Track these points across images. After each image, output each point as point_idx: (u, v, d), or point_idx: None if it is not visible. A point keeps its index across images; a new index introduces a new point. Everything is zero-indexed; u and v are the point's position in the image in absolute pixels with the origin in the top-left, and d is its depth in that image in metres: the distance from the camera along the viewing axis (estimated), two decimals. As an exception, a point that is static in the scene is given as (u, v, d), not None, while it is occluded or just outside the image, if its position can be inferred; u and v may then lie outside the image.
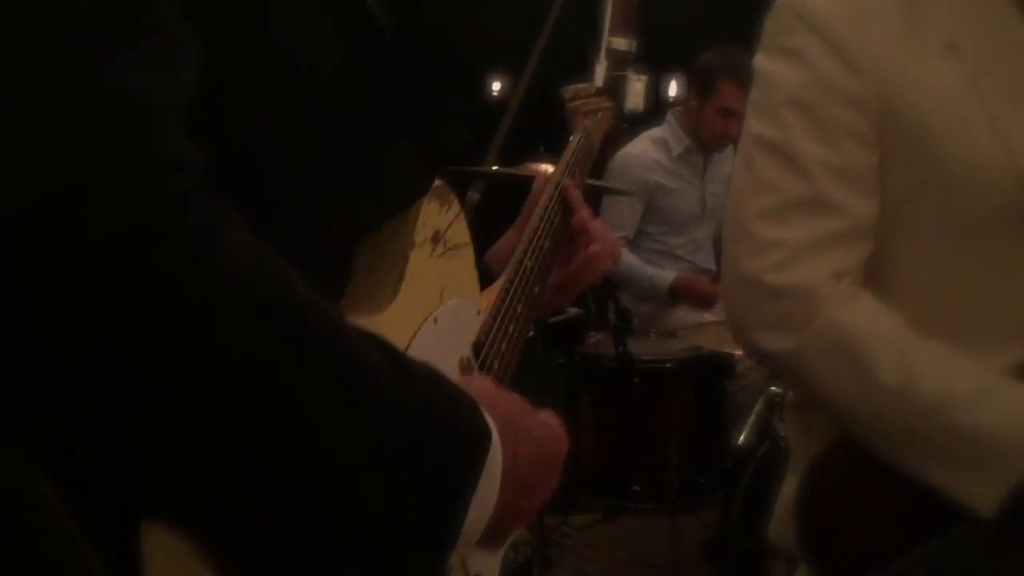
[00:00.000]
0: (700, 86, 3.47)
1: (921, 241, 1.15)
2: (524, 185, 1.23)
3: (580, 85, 1.48)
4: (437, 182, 0.87)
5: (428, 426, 0.66)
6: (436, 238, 0.86)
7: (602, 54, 4.10)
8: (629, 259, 3.50)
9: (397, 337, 0.75)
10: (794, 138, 1.12)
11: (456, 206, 0.89)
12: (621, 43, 4.37)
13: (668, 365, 2.91)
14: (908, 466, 1.11)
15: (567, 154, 1.22)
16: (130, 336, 0.52)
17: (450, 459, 0.67)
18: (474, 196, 3.38)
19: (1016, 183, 1.08)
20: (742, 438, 2.61)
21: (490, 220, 1.37)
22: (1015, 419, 1.09)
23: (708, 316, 3.39)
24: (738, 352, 2.60)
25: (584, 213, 1.14)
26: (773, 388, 2.55)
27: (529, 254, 1.03)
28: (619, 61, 4.32)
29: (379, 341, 0.67)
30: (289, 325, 0.59)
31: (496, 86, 5.35)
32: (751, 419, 2.64)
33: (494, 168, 2.70)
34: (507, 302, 0.96)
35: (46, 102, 0.49)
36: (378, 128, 0.79)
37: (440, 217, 0.87)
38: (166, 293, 0.53)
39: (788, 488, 1.24)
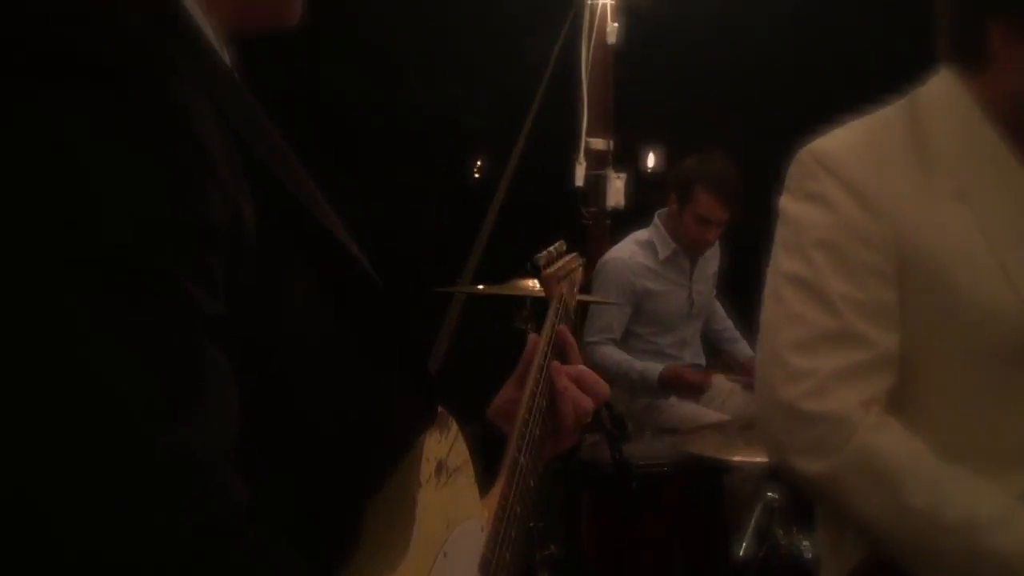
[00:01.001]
0: (679, 192, 3.45)
1: (941, 371, 1.24)
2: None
3: (550, 249, 1.48)
4: (439, 411, 0.91)
5: None
6: (439, 469, 0.88)
7: (580, 155, 3.46)
8: (617, 355, 3.46)
9: None
10: (821, 276, 1.22)
11: (454, 427, 0.92)
12: (599, 143, 3.53)
13: (665, 469, 2.88)
14: None
15: (547, 326, 1.23)
16: None
17: None
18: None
19: None
20: (743, 549, 2.57)
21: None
22: None
23: (703, 413, 3.33)
24: (734, 458, 2.64)
25: (570, 389, 1.13)
26: (770, 494, 2.58)
27: (523, 451, 1.04)
28: (598, 161, 3.48)
29: None
30: None
31: (480, 154, 5.04)
32: (750, 527, 2.61)
33: (480, 287, 2.84)
34: (507, 510, 0.98)
35: (133, 470, 0.56)
36: (378, 379, 0.82)
37: (441, 446, 0.89)
38: None
39: None
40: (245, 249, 0.65)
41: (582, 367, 1.17)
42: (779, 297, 1.28)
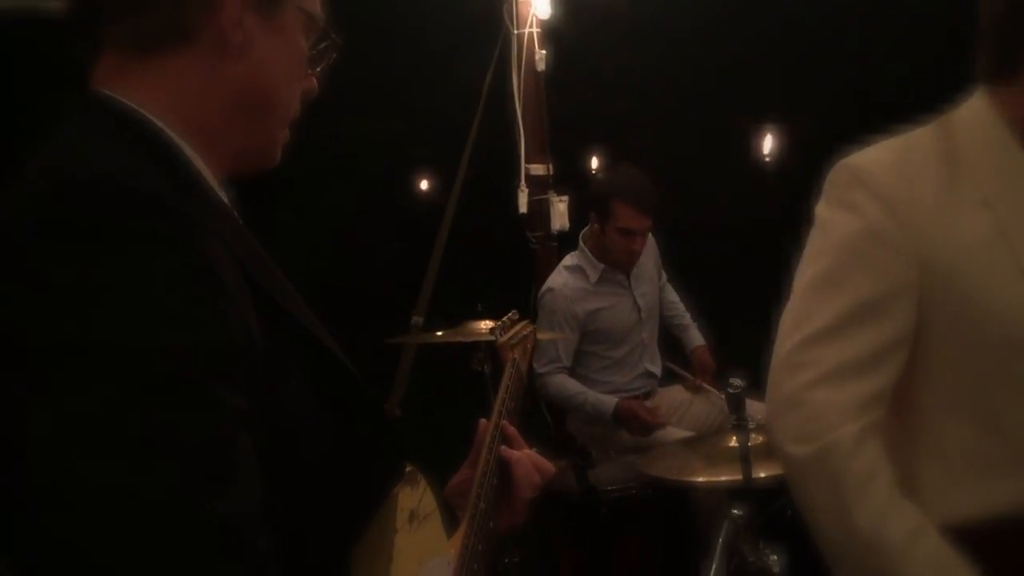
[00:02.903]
0: (597, 210, 3.44)
1: (956, 374, 1.29)
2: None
3: (504, 319, 1.64)
4: (408, 468, 1.09)
5: None
6: (411, 518, 1.06)
7: (522, 182, 3.52)
8: (571, 386, 3.45)
9: None
10: (841, 271, 1.30)
11: (422, 482, 1.11)
12: (538, 168, 3.60)
13: (633, 491, 2.93)
14: None
15: (500, 395, 1.37)
16: None
17: None
18: (419, 320, 3.46)
19: None
20: (712, 571, 2.55)
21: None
22: None
23: (664, 432, 3.31)
24: (697, 478, 2.67)
25: (523, 458, 1.26)
26: (735, 511, 2.59)
27: (482, 497, 1.18)
28: (539, 185, 3.55)
29: None
30: None
31: (425, 185, 4.98)
32: (718, 545, 2.57)
33: (438, 333, 2.92)
34: (469, 547, 1.11)
35: (187, 544, 0.72)
36: (356, 447, 1.00)
37: (412, 498, 1.08)
38: None
39: None
40: (256, 353, 0.83)
41: (527, 450, 1.31)
42: (797, 299, 1.35)
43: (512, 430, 1.33)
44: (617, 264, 3.48)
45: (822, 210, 1.37)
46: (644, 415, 3.28)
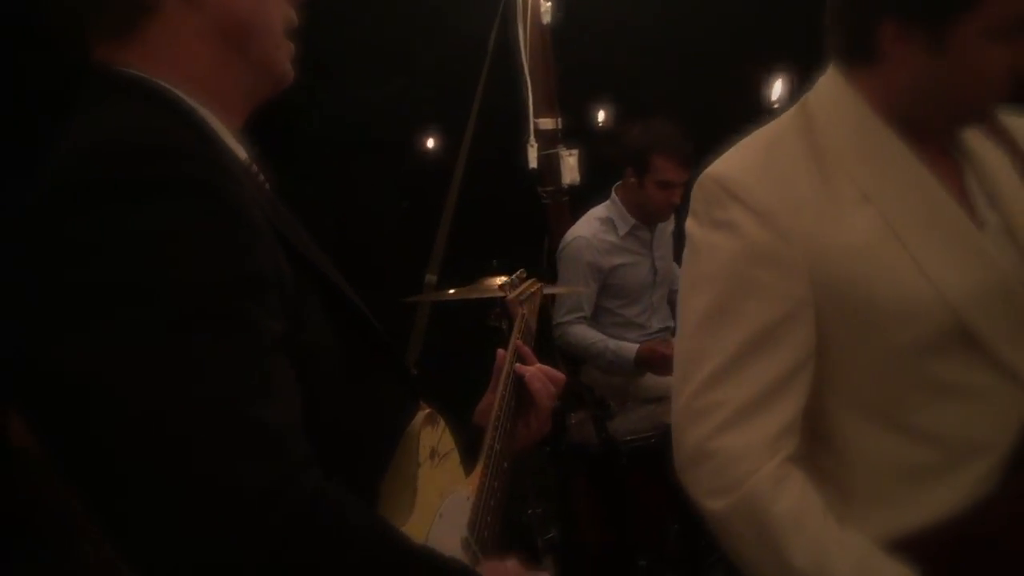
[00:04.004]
0: (635, 164, 3.45)
1: (865, 380, 1.23)
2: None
3: (513, 277, 1.70)
4: (428, 410, 1.17)
5: None
6: (432, 454, 1.14)
7: (531, 137, 3.51)
8: (591, 335, 3.49)
9: (420, 535, 1.04)
10: (730, 303, 1.21)
11: (442, 423, 1.19)
12: (547, 123, 3.57)
13: (652, 440, 2.97)
14: None
15: (512, 343, 1.47)
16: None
17: None
18: (432, 279, 3.53)
19: (945, 310, 1.17)
20: None
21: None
22: None
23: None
24: None
25: (536, 372, 1.41)
26: None
27: (496, 439, 1.27)
28: (548, 140, 3.53)
29: (456, 563, 1.00)
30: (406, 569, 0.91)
31: (432, 143, 4.91)
32: None
33: (451, 291, 2.96)
34: (486, 484, 1.23)
35: (233, 440, 0.81)
36: (379, 391, 1.08)
37: (433, 436, 1.15)
38: (322, 551, 0.83)
39: None
40: (284, 287, 0.91)
41: (538, 364, 1.45)
42: (687, 336, 1.26)
43: (526, 349, 1.45)
44: (653, 217, 3.50)
45: (695, 231, 1.27)
46: (667, 350, 3.31)
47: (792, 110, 1.31)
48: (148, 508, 0.78)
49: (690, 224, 1.29)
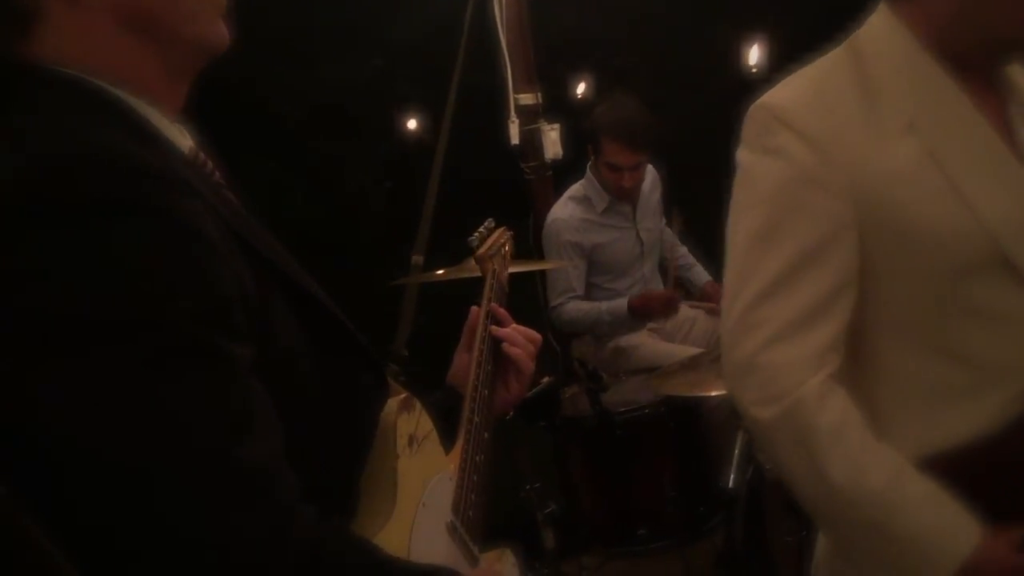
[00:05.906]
0: (592, 144, 3.44)
1: (905, 305, 1.28)
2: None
3: (480, 230, 1.62)
4: (403, 395, 1.15)
5: None
6: (411, 441, 1.12)
7: (512, 112, 3.51)
8: (584, 306, 3.48)
9: (405, 529, 1.05)
10: (778, 224, 1.26)
11: (418, 405, 1.16)
12: (527, 98, 3.56)
13: (646, 411, 3.01)
14: (845, 551, 1.31)
15: (484, 301, 1.45)
16: None
17: None
18: (419, 260, 3.49)
19: (984, 238, 1.21)
20: (731, 481, 2.63)
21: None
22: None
23: (671, 349, 3.37)
24: (710, 393, 2.72)
25: (513, 334, 1.39)
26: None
27: (475, 411, 1.26)
28: (529, 115, 3.53)
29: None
30: None
31: (412, 123, 4.76)
32: (735, 457, 2.66)
33: (439, 272, 2.95)
34: (467, 459, 1.22)
35: (224, 490, 0.79)
36: (350, 385, 1.06)
37: (410, 422, 1.13)
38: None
39: (821, 546, 1.43)
40: (249, 299, 0.86)
41: (514, 325, 1.42)
42: (738, 256, 1.32)
43: (501, 311, 1.42)
44: (612, 195, 3.48)
45: (745, 157, 1.31)
46: (658, 294, 3.36)
47: (842, 45, 1.35)
48: None
49: (741, 153, 1.33)
